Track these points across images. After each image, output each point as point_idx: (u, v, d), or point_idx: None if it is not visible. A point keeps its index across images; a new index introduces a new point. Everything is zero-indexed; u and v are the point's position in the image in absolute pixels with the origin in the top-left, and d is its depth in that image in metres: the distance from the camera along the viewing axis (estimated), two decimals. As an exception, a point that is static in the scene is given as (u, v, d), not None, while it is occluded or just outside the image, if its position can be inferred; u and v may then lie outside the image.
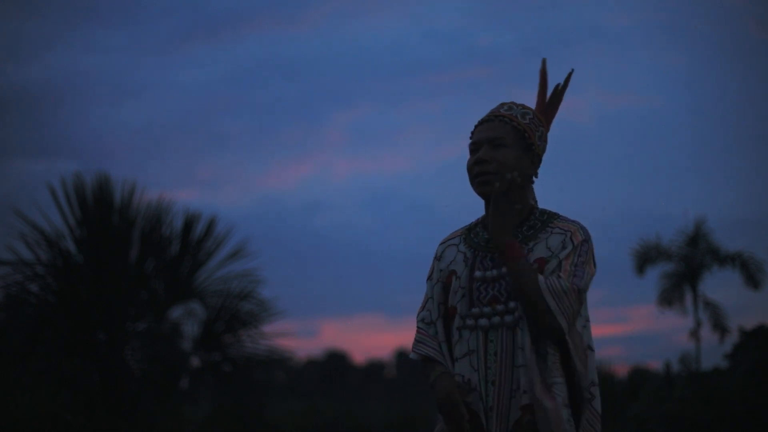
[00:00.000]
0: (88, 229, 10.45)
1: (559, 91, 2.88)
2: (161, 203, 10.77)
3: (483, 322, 2.71)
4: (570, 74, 2.87)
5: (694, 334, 14.98)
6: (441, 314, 2.81)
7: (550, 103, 2.87)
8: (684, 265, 15.27)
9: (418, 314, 2.88)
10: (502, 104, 2.83)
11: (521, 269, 2.64)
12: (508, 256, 2.66)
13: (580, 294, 2.68)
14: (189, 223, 10.90)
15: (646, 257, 15.28)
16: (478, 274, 2.74)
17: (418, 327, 2.86)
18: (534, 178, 2.82)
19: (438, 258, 2.88)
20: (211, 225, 11.02)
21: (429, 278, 2.87)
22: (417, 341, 2.84)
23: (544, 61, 2.88)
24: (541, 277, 2.63)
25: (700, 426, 9.83)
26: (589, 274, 2.71)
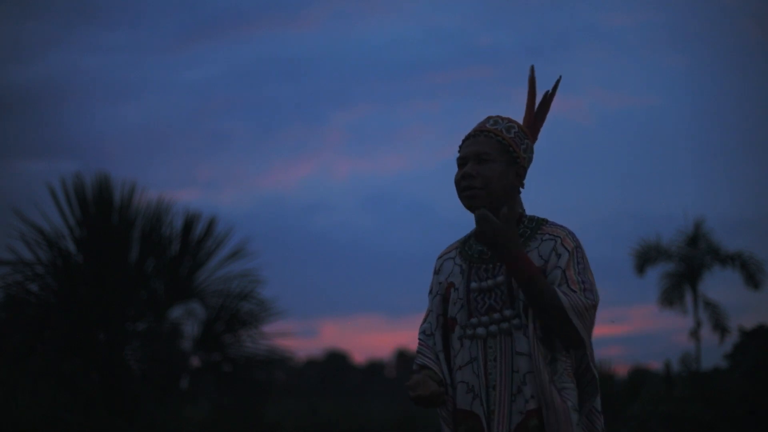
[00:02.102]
0: (88, 229, 10.45)
1: (548, 98, 2.97)
2: (161, 203, 10.79)
3: (481, 331, 2.81)
4: (558, 81, 2.97)
5: (694, 334, 14.99)
6: (440, 325, 2.93)
7: (539, 110, 2.97)
8: (684, 265, 15.27)
9: (420, 327, 2.99)
10: (488, 118, 2.93)
11: (540, 287, 2.71)
12: (523, 276, 2.71)
13: (596, 308, 2.78)
14: (189, 223, 10.90)
15: (646, 257, 15.28)
16: (474, 285, 2.84)
17: (419, 339, 2.97)
18: (521, 189, 2.91)
19: (437, 272, 2.99)
20: (211, 225, 11.02)
21: (430, 292, 2.99)
22: (417, 352, 2.96)
23: (532, 69, 2.98)
24: (562, 296, 2.71)
25: (700, 426, 9.82)
26: (593, 282, 2.80)
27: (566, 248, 2.78)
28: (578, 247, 2.81)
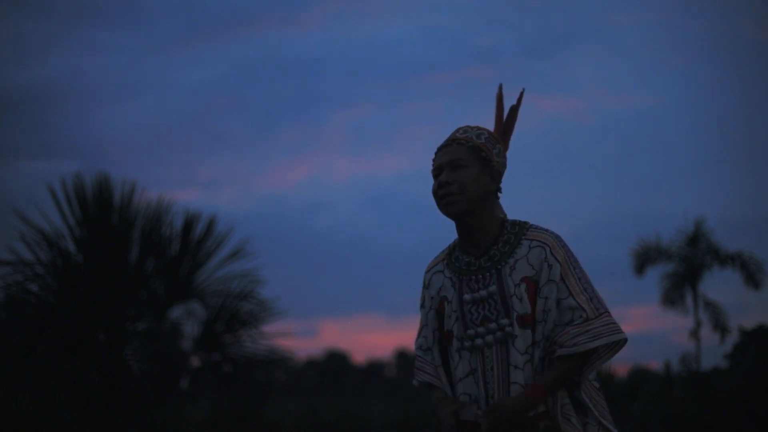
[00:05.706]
0: (88, 229, 10.45)
1: (514, 110, 2.99)
2: (161, 203, 10.79)
3: (479, 342, 2.82)
4: (521, 94, 2.99)
5: (694, 334, 14.99)
6: (437, 339, 2.93)
7: (507, 122, 2.99)
8: (684, 265, 15.27)
9: (416, 342, 3.00)
10: (458, 128, 2.95)
11: (556, 380, 2.75)
12: (537, 399, 2.74)
13: (609, 314, 2.80)
14: (189, 223, 10.90)
15: (646, 257, 15.28)
16: (467, 297, 2.84)
17: (416, 355, 2.98)
18: (498, 193, 2.92)
19: (426, 286, 2.98)
20: (211, 225, 11.02)
21: (422, 306, 2.99)
22: (417, 369, 2.97)
23: (500, 87, 3.01)
24: (576, 347, 2.73)
25: (700, 426, 9.83)
26: (592, 284, 2.82)
27: (557, 259, 2.79)
28: (568, 254, 2.82)
